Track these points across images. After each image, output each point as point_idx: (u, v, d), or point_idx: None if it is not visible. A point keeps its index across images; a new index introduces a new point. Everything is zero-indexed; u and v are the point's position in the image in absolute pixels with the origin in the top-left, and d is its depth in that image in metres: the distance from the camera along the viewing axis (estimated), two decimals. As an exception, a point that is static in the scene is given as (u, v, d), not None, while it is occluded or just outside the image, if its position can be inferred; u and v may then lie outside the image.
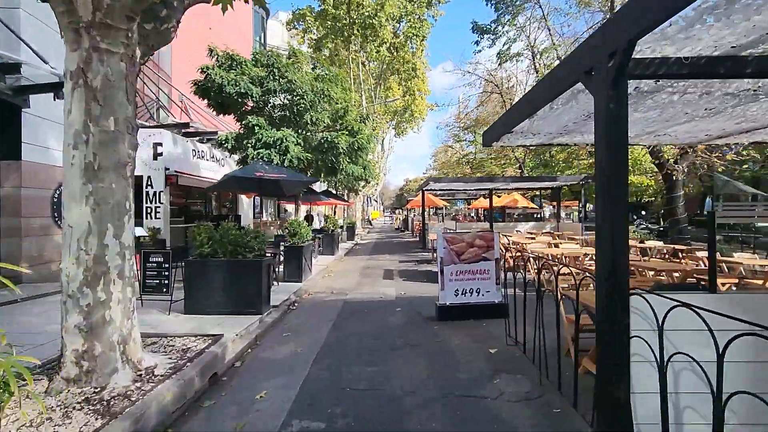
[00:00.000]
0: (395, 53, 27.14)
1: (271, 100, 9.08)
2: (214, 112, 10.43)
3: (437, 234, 6.17)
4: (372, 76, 29.24)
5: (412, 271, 10.91)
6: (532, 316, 4.06)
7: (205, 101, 9.74)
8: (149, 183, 11.06)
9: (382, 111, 28.76)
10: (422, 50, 25.80)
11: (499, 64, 17.73)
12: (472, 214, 35.19)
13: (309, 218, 14.65)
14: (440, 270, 5.99)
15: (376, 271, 11.04)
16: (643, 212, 19.36)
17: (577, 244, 9.63)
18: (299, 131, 9.60)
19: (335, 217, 15.36)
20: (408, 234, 27.37)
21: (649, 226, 15.01)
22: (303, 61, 10.55)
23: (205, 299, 5.93)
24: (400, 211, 58.15)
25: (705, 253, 7.36)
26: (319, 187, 22.15)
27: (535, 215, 29.61)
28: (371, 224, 43.95)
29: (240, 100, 8.79)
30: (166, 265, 6.18)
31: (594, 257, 7.62)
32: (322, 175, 13.77)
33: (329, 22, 20.34)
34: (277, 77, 8.76)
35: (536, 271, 7.91)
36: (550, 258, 8.32)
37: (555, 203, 24.24)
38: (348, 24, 19.60)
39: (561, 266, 5.47)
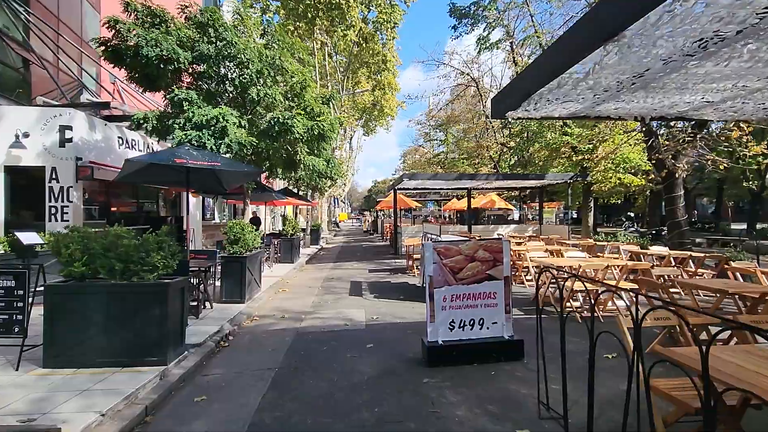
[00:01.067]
0: (364, 44, 25.40)
1: (206, 71, 7.08)
2: (141, 89, 8.26)
3: (425, 244, 4.42)
4: (339, 70, 27.36)
5: (384, 284, 9.15)
6: (553, 352, 2.40)
7: (126, 73, 7.58)
8: (54, 176, 8.74)
9: (349, 104, 26.91)
10: (393, 39, 24.19)
11: (478, 52, 16.49)
12: (445, 216, 33.97)
13: (256, 220, 12.58)
14: (429, 294, 4.26)
15: (341, 284, 9.20)
16: (631, 214, 18.67)
17: (579, 249, 8.23)
18: (245, 111, 7.63)
19: (296, 219, 13.33)
20: (377, 237, 25.64)
21: (639, 229, 14.06)
22: (252, 28, 8.58)
23: (77, 344, 3.92)
24: (369, 212, 56.43)
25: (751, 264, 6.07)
26: (284, 185, 20.01)
27: (508, 217, 28.73)
28: (338, 227, 41.88)
29: (165, 67, 6.72)
30: (20, 292, 4.09)
31: (621, 270, 6.30)
32: (281, 170, 11.79)
33: (291, 2, 18.31)
34: (212, 38, 6.76)
35: (549, 288, 6.41)
36: (560, 270, 6.84)
37: (529, 205, 23.43)
38: (312, 4, 17.67)
39: (600, 287, 3.90)
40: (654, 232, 12.87)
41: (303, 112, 7.59)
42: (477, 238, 9.49)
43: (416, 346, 4.64)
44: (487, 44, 15.86)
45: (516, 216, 27.70)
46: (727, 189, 24.18)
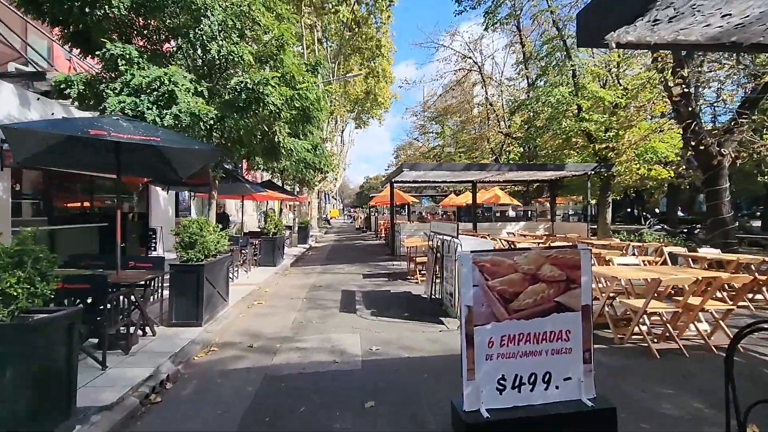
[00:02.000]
0: (357, 28, 23.69)
1: (150, 21, 5.41)
2: (81, 54, 6.50)
3: (461, 256, 2.78)
4: (329, 58, 25.58)
5: (382, 294, 7.57)
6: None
7: (58, 30, 5.85)
8: (-30, 161, 7.03)
9: (340, 91, 25.17)
10: (388, 20, 22.54)
11: (485, 28, 14.95)
12: (440, 213, 32.51)
13: (223, 217, 10.96)
14: (465, 335, 2.69)
15: (330, 294, 7.59)
16: (656, 210, 17.34)
17: (623, 253, 6.72)
18: (204, 75, 5.96)
19: (279, 216, 11.66)
20: (371, 235, 24.02)
21: (666, 227, 12.70)
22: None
23: None
24: (362, 209, 54.77)
25: None
26: (269, 178, 18.33)
27: (506, 213, 27.31)
28: (329, 223, 40.18)
29: (92, 12, 5.00)
30: None
31: (711, 285, 4.56)
32: (260, 159, 10.12)
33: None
34: (158, -27, 5.08)
35: (606, 307, 4.81)
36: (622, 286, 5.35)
37: (537, 200, 22.00)
38: (299, -23, 15.94)
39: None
40: (686, 230, 11.52)
41: (280, 77, 5.93)
42: (483, 235, 7.87)
43: (440, 403, 3.10)
44: (495, 20, 14.33)
45: (511, 213, 26.32)
46: (737, 184, 22.99)
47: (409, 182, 13.46)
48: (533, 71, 16.59)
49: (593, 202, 21.59)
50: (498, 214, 28.54)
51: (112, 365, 3.85)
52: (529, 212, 18.70)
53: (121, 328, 4.24)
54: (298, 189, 21.27)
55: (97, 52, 5.04)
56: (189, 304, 5.16)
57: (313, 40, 22.88)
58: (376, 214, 26.29)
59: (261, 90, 5.29)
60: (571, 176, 11.99)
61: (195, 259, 5.27)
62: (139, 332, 4.74)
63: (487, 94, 20.00)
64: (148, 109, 4.74)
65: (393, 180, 12.67)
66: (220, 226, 6.47)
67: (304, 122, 8.17)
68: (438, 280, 6.46)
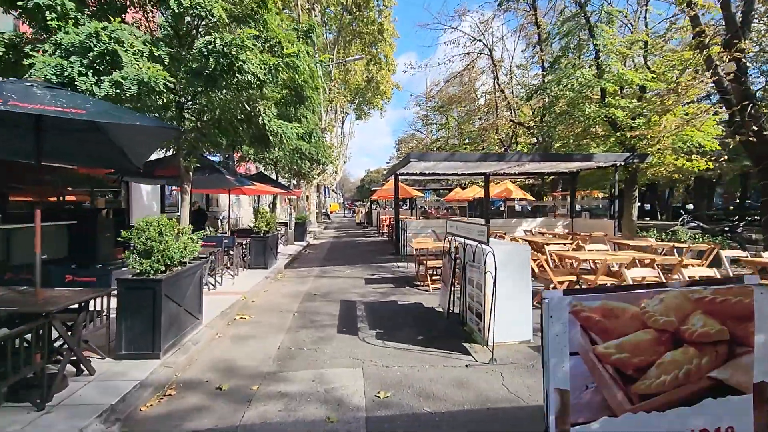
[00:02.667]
0: (357, 12, 22.33)
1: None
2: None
3: (552, 303, 1.60)
4: (328, 44, 24.21)
5: (389, 307, 6.41)
6: None
7: None
8: None
9: (340, 77, 23.85)
10: (390, 1, 21.19)
11: (499, 4, 13.67)
12: (444, 208, 31.34)
13: (199, 215, 9.82)
14: (555, 439, 1.52)
15: (327, 306, 6.44)
16: (689, 206, 16.12)
17: (684, 260, 5.55)
18: (171, 39, 4.75)
19: (272, 213, 10.48)
20: (373, 231, 22.86)
21: (701, 224, 11.50)
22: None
23: None
24: (363, 203, 53.55)
25: None
26: (268, 172, 17.16)
27: (513, 209, 26.07)
28: (329, 218, 39.03)
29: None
30: None
31: None
32: (248, 148, 8.95)
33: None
34: None
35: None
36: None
37: (553, 195, 20.71)
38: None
39: None
40: (727, 228, 10.34)
41: (264, 42, 4.72)
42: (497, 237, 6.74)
43: None
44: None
45: (517, 207, 25.04)
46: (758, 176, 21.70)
47: (415, 175, 12.28)
48: (548, 55, 15.31)
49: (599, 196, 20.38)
50: (503, 209, 27.33)
51: (16, 426, 2.70)
52: (547, 207, 17.45)
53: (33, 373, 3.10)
54: (294, 182, 20.09)
55: (19, 2, 3.84)
56: (143, 329, 4.01)
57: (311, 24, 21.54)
58: (378, 209, 25.10)
59: (235, 54, 4.09)
60: (596, 167, 10.78)
61: (152, 272, 4.11)
62: (74, 370, 3.61)
63: (497, 79, 18.68)
64: (81, 75, 3.55)
65: (397, 172, 11.47)
66: (192, 227, 5.33)
67: (297, 104, 7.00)
68: (457, 292, 5.31)
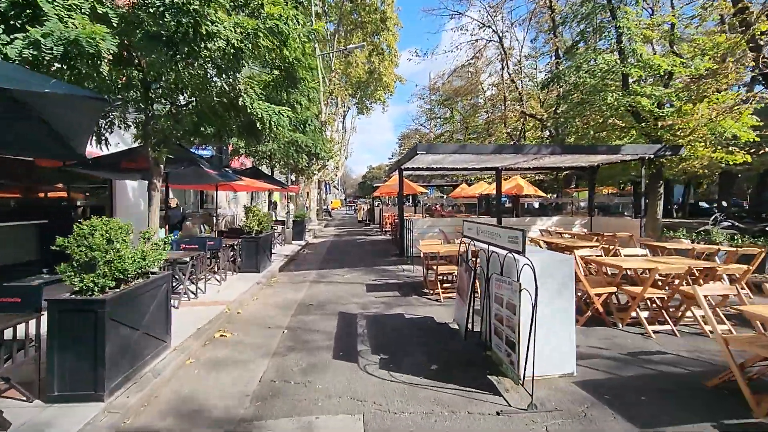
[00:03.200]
0: None
1: None
2: None
3: None
4: (327, 36, 23.23)
5: (395, 323, 5.52)
6: None
7: None
8: None
9: (341, 67, 22.87)
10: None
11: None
12: (447, 205, 30.40)
13: (173, 215, 9.00)
14: None
15: (322, 322, 5.55)
16: (724, 204, 15.06)
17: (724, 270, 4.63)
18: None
19: (268, 211, 9.55)
20: (375, 229, 21.95)
21: (737, 224, 10.54)
22: None
23: None
24: (365, 199, 52.64)
25: None
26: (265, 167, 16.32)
27: (524, 205, 25.07)
28: (330, 215, 38.16)
29: None
30: None
31: None
32: (239, 140, 8.07)
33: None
34: None
35: None
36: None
37: (567, 190, 19.71)
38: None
39: None
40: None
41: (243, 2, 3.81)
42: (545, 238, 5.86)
43: None
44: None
45: (535, 204, 24.02)
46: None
47: (421, 170, 11.36)
48: (563, 42, 14.30)
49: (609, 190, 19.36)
50: (508, 205, 26.37)
51: None
52: (561, 205, 16.49)
53: None
54: (293, 178, 19.19)
55: None
56: (82, 363, 3.13)
57: (310, 13, 20.55)
58: (381, 206, 24.17)
59: (199, 11, 3.18)
60: (619, 161, 9.81)
61: (96, 289, 3.23)
62: (-17, 422, 2.74)
63: (507, 68, 17.66)
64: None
65: (402, 167, 10.54)
66: (167, 228, 4.45)
67: (288, 87, 6.07)
68: (475, 304, 4.42)
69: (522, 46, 20.06)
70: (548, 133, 14.81)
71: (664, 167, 10.75)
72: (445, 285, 6.73)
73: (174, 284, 5.98)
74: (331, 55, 20.75)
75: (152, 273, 4.11)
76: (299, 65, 5.71)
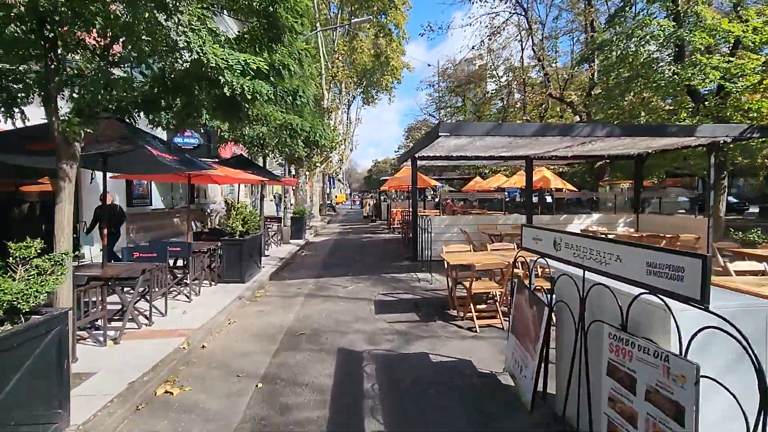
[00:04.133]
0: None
1: None
2: None
3: None
4: (330, 15, 21.46)
5: (417, 365, 3.92)
6: None
7: None
8: None
9: (345, 50, 21.13)
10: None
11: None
12: (457, 200, 28.66)
13: (113, 214, 7.49)
14: None
15: (312, 368, 3.94)
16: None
17: None
18: None
19: (255, 208, 7.90)
20: (382, 225, 20.32)
21: None
22: None
23: None
24: (371, 194, 50.95)
25: None
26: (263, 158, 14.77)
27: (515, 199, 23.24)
28: (335, 210, 36.58)
29: None
30: None
31: None
32: (212, 117, 6.46)
33: None
34: None
35: None
36: None
37: (601, 183, 17.76)
38: None
39: None
40: None
41: None
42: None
43: None
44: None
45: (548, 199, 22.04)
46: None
47: (438, 159, 9.68)
48: (597, 14, 12.50)
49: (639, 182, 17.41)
50: (474, 198, 24.66)
51: None
52: (600, 201, 14.65)
53: None
54: (293, 170, 17.59)
55: None
56: None
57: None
58: (389, 201, 22.50)
59: None
60: (680, 147, 8.05)
61: None
62: None
63: (533, 44, 15.83)
64: None
65: (417, 155, 8.89)
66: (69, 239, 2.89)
67: (269, 41, 4.49)
68: (544, 352, 2.81)
69: (544, 26, 18.14)
70: (578, 119, 13.12)
71: (727, 156, 9.01)
72: (479, 307, 5.10)
73: (131, 304, 4.41)
74: (333, 34, 19.04)
75: (34, 313, 2.54)
76: (283, 5, 4.09)
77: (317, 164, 21.61)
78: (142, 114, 4.49)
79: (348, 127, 32.56)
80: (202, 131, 13.81)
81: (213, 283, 7.03)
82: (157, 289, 5.21)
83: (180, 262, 6.45)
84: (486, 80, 24.82)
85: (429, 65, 67.66)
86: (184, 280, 6.09)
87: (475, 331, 4.68)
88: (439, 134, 6.18)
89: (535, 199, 17.48)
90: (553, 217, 9.84)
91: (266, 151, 9.71)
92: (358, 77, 29.79)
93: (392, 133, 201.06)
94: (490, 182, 19.21)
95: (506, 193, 17.45)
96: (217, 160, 10.25)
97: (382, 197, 26.72)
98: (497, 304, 4.94)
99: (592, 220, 9.64)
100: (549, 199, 20.02)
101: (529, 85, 17.02)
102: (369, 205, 27.29)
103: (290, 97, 5.35)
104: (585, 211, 11.86)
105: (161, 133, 13.47)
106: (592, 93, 12.27)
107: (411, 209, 9.69)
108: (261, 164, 10.36)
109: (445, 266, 5.90)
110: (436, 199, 27.56)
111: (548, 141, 6.81)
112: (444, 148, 7.90)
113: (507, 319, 4.67)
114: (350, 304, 6.10)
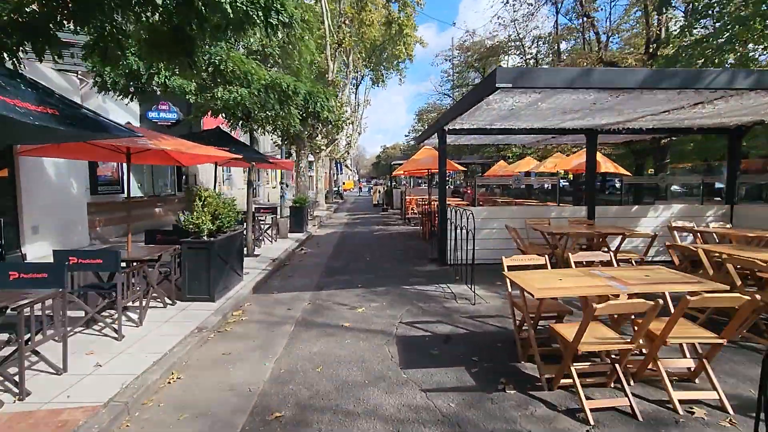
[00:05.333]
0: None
1: None
2: None
3: None
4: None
5: None
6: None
7: None
8: None
9: (352, 22, 18.76)
10: None
11: None
12: (480, 187, 26.30)
13: None
14: None
15: None
16: None
17: None
18: None
19: (228, 197, 5.79)
20: (395, 215, 18.20)
21: None
22: None
23: None
24: (381, 180, 48.72)
25: None
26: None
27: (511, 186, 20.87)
28: (342, 197, 34.51)
29: None
30: None
31: None
32: (148, 57, 4.43)
33: None
34: None
35: None
36: None
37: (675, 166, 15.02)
38: None
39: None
40: None
41: None
42: None
43: None
44: None
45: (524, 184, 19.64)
46: None
47: (475, 132, 7.42)
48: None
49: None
50: (518, 184, 22.41)
51: None
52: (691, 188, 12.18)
53: None
54: (293, 154, 15.51)
55: None
56: None
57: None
58: (401, 187, 20.30)
59: None
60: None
61: None
62: None
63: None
64: None
65: (447, 127, 6.72)
66: None
67: None
68: None
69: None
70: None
71: None
72: (578, 366, 2.98)
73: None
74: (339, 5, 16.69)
75: None
76: None
77: (322, 147, 19.50)
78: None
79: (356, 108, 30.27)
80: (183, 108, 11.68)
81: (170, 302, 5.05)
82: (51, 332, 3.23)
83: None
84: (509, 53, 22.25)
85: (453, 24, 63.33)
86: (122, 305, 4.10)
87: (588, 423, 2.59)
88: (497, 86, 4.01)
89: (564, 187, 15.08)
90: (621, 209, 7.63)
91: (251, 124, 7.60)
92: (367, 54, 27.36)
93: (400, 120, 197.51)
94: (517, 167, 16.90)
95: (561, 179, 14.97)
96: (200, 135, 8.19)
97: (392, 183, 24.52)
98: (616, 366, 2.85)
99: (673, 213, 7.42)
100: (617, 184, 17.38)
101: (564, 52, 14.57)
102: (379, 192, 25.14)
103: (260, 13, 3.24)
104: (648, 200, 9.63)
105: (134, 107, 11.45)
106: (658, 53, 9.89)
107: (438, 198, 7.57)
108: (250, 142, 8.28)
109: (508, 289, 3.82)
110: (451, 187, 25.26)
111: (650, 100, 4.61)
112: (490, 115, 5.71)
113: (639, 397, 2.65)
114: (361, 342, 4.06)
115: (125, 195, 10.81)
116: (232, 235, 5.81)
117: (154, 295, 4.83)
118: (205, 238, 5.26)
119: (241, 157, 6.51)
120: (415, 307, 5.14)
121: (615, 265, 3.98)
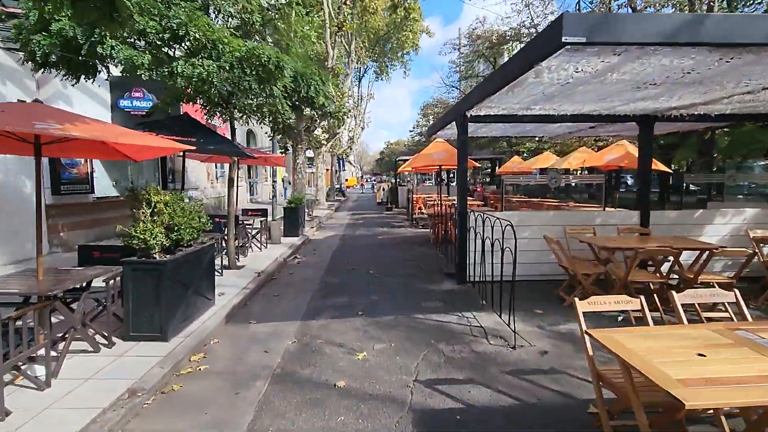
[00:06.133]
0: None
1: None
2: None
3: None
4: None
5: None
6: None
7: None
8: None
9: (354, 9, 17.36)
10: None
11: None
12: (479, 184, 24.96)
13: None
14: None
15: None
16: None
17: None
18: None
19: (188, 202, 4.52)
20: (401, 216, 16.83)
21: None
22: None
23: None
24: (384, 176, 47.43)
25: None
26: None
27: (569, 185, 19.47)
28: (344, 195, 33.17)
29: None
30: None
31: None
32: (145, 57, 3.06)
33: None
34: None
35: None
36: None
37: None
38: None
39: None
40: None
41: None
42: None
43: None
44: None
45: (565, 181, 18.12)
46: None
47: (504, 119, 6.02)
48: None
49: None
50: (555, 184, 20.90)
51: None
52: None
53: None
54: (288, 148, 14.19)
55: None
56: None
57: None
58: (408, 185, 18.93)
59: None
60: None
61: None
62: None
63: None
64: None
65: (470, 112, 5.36)
66: None
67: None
68: None
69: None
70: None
71: None
72: None
73: None
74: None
75: None
76: None
77: (322, 141, 18.17)
78: None
79: (359, 102, 28.91)
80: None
81: (106, 343, 3.76)
82: None
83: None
84: (522, 41, 20.73)
85: (467, 1, 60.54)
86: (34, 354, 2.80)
87: None
88: (564, 40, 2.67)
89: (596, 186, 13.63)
90: (680, 215, 6.25)
91: (230, 111, 6.27)
92: (371, 44, 25.96)
93: (404, 116, 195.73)
94: (534, 163, 15.49)
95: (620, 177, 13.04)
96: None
97: (398, 181, 23.14)
98: None
99: (746, 219, 6.04)
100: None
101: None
102: (383, 190, 23.79)
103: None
104: (701, 204, 8.23)
105: (103, 94, 10.15)
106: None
107: (457, 201, 6.22)
108: (231, 134, 6.96)
109: (587, 349, 2.49)
110: (452, 185, 23.75)
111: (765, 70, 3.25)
112: (533, 92, 4.33)
113: None
114: (361, 420, 2.74)
115: (95, 195, 9.57)
116: (197, 250, 4.51)
117: (78, 337, 3.54)
118: (156, 257, 3.96)
119: (212, 148, 5.19)
120: (435, 351, 3.82)
121: (745, 310, 2.62)
